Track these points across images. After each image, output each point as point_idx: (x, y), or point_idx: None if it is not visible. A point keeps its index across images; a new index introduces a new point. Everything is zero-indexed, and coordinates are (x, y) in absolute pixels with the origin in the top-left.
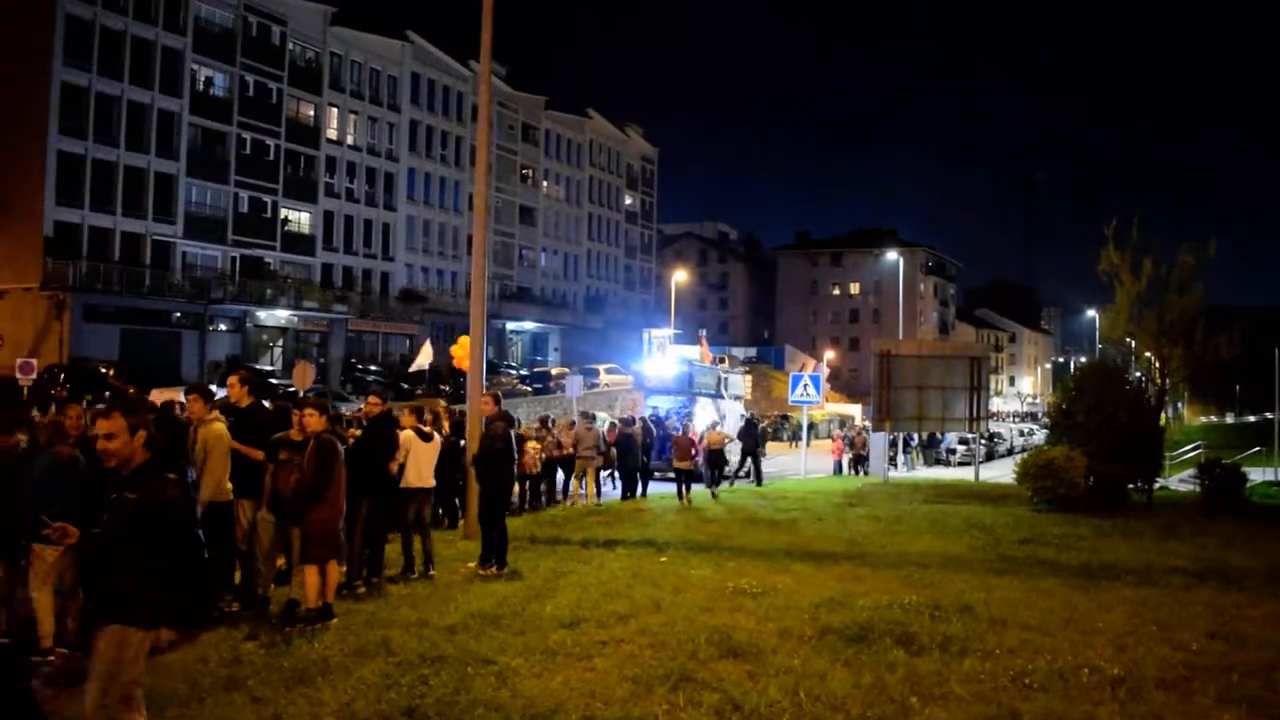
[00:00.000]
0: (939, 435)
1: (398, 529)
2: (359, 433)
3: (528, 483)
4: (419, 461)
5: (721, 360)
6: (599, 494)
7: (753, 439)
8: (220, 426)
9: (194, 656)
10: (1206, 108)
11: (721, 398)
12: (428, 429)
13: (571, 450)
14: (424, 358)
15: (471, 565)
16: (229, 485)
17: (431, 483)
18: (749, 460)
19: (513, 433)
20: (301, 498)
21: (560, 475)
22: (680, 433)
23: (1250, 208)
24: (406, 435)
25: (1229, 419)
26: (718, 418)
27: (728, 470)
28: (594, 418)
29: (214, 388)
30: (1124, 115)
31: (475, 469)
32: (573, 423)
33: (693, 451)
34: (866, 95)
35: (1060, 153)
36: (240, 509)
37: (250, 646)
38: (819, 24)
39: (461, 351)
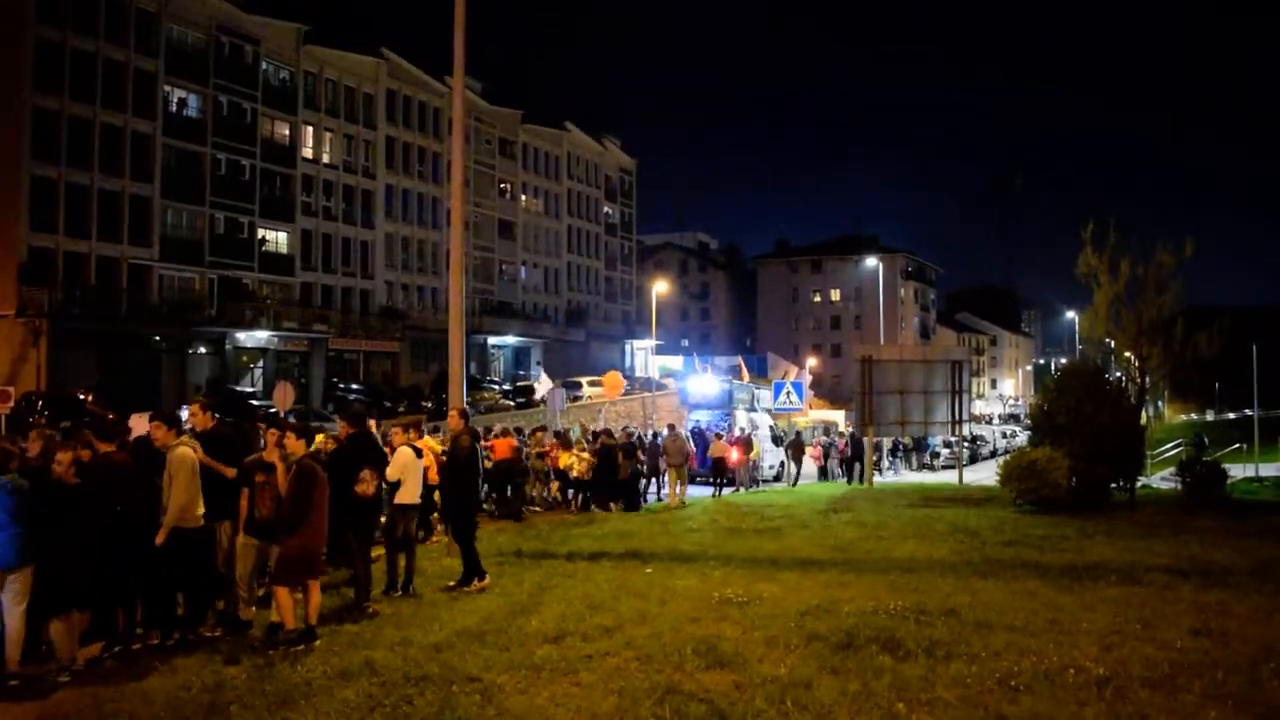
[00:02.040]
0: (926, 439)
1: (385, 546)
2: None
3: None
4: (413, 478)
5: (705, 370)
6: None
7: (858, 449)
8: (184, 451)
9: (176, 683)
10: (1179, 110)
11: (756, 410)
12: (419, 445)
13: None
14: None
15: (451, 583)
16: (199, 511)
17: (419, 500)
18: (857, 465)
19: (478, 447)
20: (280, 522)
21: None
22: (671, 438)
23: (1227, 208)
24: (406, 452)
25: (1209, 416)
26: (749, 428)
27: (766, 474)
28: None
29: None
30: (1099, 117)
31: (440, 482)
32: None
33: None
34: (842, 101)
35: (1037, 156)
36: (220, 531)
37: (233, 671)
38: (792, 32)
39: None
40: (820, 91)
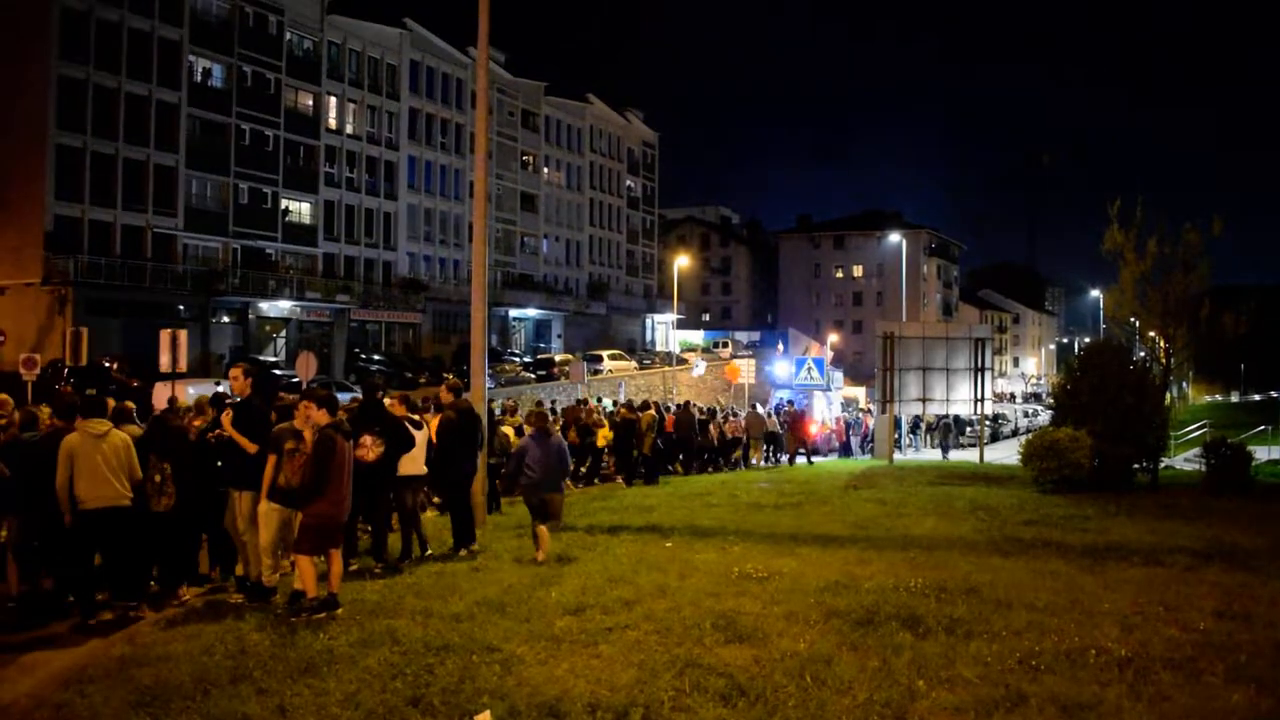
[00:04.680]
0: (962, 418)
1: (399, 518)
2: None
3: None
4: (412, 450)
5: (724, 345)
6: (765, 460)
7: (946, 429)
8: (68, 438)
9: (200, 647)
10: (1211, 86)
11: (830, 391)
12: (418, 417)
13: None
14: None
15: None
16: (102, 491)
17: (424, 470)
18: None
19: (480, 418)
20: (300, 491)
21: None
22: (753, 415)
23: (1256, 187)
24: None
25: (1234, 398)
26: (826, 407)
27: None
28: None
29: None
30: (1128, 92)
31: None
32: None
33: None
34: (868, 76)
35: (1065, 132)
36: (239, 500)
37: (256, 637)
38: (819, 4)
39: (732, 369)
40: (847, 67)
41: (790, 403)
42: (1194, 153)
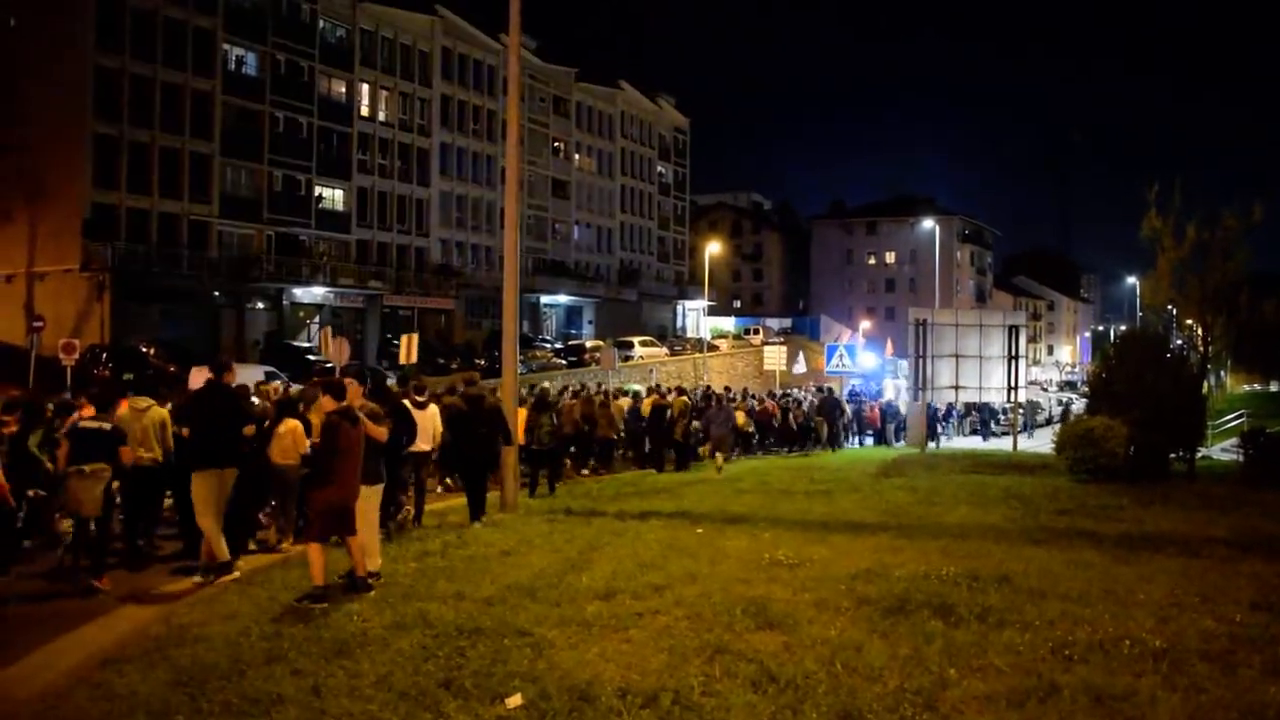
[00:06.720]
0: (994, 406)
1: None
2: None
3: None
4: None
5: (756, 331)
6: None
7: (989, 413)
8: (119, 412)
9: (235, 629)
10: (1250, 67)
11: (898, 379)
12: (421, 399)
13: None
14: None
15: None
16: (135, 454)
17: (428, 447)
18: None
19: (499, 407)
20: (308, 479)
21: None
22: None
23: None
24: (404, 407)
25: (1273, 387)
26: (893, 393)
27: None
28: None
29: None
30: (1164, 75)
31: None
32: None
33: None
34: (900, 61)
35: (1100, 116)
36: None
37: (290, 620)
38: (843, 20)
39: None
40: (878, 51)
41: (826, 388)
42: (1239, 136)
